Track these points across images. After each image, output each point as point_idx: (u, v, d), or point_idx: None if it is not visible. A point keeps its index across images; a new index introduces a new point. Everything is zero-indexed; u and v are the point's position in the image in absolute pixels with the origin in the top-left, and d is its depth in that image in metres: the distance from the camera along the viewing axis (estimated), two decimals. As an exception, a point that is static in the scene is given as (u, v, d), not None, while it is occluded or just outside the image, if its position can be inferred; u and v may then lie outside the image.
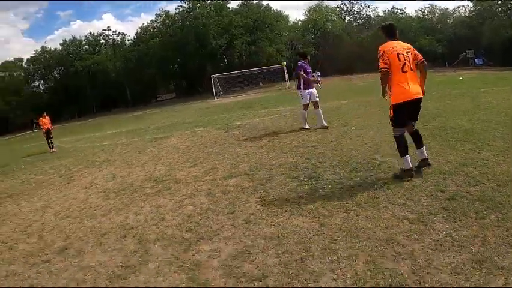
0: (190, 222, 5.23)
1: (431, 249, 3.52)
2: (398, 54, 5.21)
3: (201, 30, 56.51)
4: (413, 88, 5.23)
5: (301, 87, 10.29)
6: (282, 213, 4.98)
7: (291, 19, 75.73)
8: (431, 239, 3.71)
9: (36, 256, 5.11)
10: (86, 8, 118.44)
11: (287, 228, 4.50)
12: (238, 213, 5.23)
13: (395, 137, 5.46)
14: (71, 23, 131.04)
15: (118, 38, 77.43)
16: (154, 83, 67.97)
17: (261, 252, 4.05)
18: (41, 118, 19.17)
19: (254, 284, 3.47)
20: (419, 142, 5.58)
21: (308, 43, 63.61)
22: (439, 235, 3.75)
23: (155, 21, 70.55)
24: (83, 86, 68.08)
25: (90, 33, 77.60)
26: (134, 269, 4.20)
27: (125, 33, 78.31)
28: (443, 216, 4.12)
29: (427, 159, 5.60)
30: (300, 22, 76.83)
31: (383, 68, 5.27)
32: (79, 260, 4.71)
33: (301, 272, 3.52)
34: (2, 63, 77.70)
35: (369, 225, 4.20)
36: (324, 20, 69.22)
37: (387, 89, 5.46)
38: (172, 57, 61.79)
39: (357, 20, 75.55)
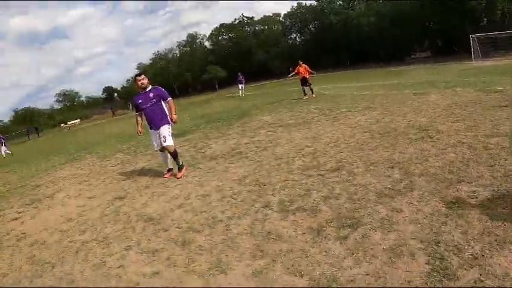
0: (452, 167, 5.52)
1: None
2: None
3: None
4: None
5: None
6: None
7: None
8: None
9: (311, 170, 6.28)
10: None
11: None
12: (497, 167, 5.23)
13: None
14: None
15: (374, -6, 77.62)
16: (409, 41, 65.92)
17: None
18: (297, 67, 21.13)
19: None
20: None
21: None
22: None
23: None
24: (337, 40, 71.21)
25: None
26: (400, 193, 4.87)
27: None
28: None
29: None
30: None
31: None
32: (351, 179, 5.65)
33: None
34: (261, 18, 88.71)
35: None
36: None
37: None
38: (429, 15, 58.60)
39: None
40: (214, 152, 9.67)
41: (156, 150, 8.14)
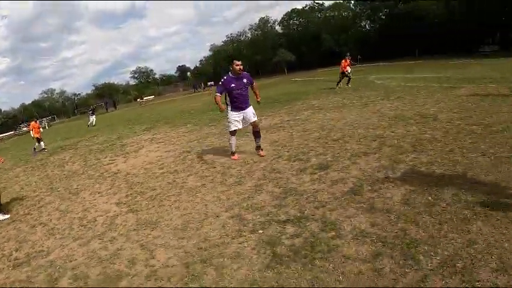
0: (417, 143, 7.56)
1: None
2: None
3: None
4: None
5: None
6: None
7: None
8: None
9: (321, 139, 8.70)
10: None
11: None
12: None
13: None
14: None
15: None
16: (479, 34, 64.23)
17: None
18: (342, 60, 23.35)
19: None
20: None
21: None
22: None
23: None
24: (406, 29, 70.91)
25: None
26: (366, 155, 7.15)
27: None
28: None
29: None
30: None
31: None
32: (343, 145, 8.05)
33: None
34: (332, 4, 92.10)
35: None
36: None
37: None
38: (498, 9, 56.86)
39: None
40: (263, 125, 12.28)
41: (234, 130, 8.56)
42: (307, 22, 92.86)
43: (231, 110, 8.31)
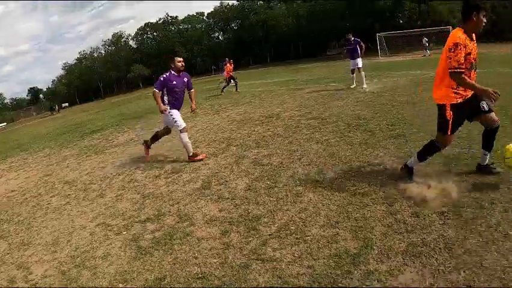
0: (261, 140, 8.79)
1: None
2: None
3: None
4: None
5: None
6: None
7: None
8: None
9: (174, 148, 9.37)
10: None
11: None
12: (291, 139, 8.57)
13: None
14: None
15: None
16: (325, 38, 70.68)
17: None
18: (227, 65, 24.24)
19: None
20: None
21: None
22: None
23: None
24: (258, 38, 75.29)
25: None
26: (215, 155, 8.02)
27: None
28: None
29: None
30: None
31: None
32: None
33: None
34: (186, 17, 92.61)
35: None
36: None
37: None
38: (343, 14, 63.33)
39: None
40: (119, 141, 12.65)
41: (185, 126, 8.05)
42: (161, 36, 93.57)
43: (172, 108, 7.94)
